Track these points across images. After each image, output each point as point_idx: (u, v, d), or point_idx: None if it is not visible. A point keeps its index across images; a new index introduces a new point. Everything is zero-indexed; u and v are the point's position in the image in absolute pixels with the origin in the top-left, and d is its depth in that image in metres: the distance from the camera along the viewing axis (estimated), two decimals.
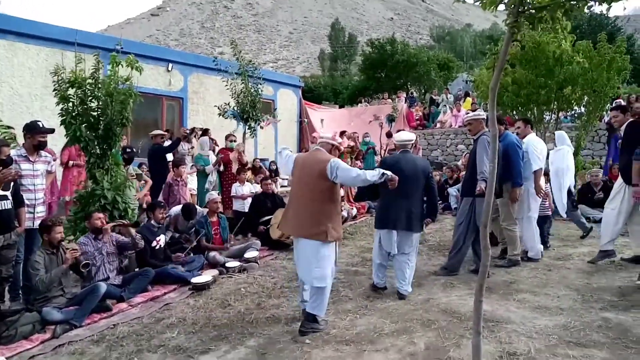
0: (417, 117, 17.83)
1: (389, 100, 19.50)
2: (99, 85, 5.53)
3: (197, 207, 7.48)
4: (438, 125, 17.18)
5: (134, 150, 8.20)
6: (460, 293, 4.95)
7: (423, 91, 28.55)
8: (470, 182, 5.59)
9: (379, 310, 4.50)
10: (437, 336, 3.80)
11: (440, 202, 9.62)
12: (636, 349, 3.46)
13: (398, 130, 14.77)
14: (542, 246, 6.38)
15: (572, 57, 8.81)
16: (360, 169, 11.63)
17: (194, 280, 5.39)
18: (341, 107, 24.44)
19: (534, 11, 2.52)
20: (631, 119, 5.86)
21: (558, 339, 3.67)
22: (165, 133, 10.31)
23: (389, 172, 4.09)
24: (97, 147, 5.62)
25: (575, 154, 9.90)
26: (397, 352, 3.55)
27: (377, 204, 5.56)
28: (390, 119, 15.67)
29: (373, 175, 4.00)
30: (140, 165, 9.19)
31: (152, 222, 6.00)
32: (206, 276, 5.55)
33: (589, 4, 2.55)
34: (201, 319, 4.37)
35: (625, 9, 7.77)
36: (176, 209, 7.12)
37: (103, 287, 4.57)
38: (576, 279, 5.34)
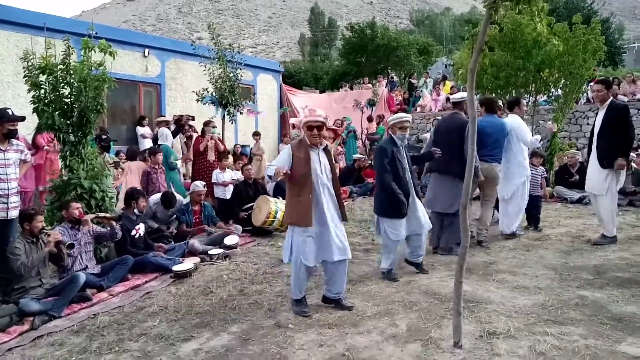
0: (397, 102, 17.85)
1: (370, 85, 19.47)
2: (71, 72, 5.37)
3: (177, 195, 7.40)
4: (418, 109, 17.23)
5: (110, 137, 8.05)
6: (440, 275, 5.01)
7: (403, 75, 28.53)
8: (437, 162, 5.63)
9: (361, 294, 4.53)
10: (419, 317, 3.85)
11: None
12: (611, 325, 3.55)
13: (379, 115, 14.84)
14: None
15: (548, 39, 8.86)
16: (343, 153, 11.81)
17: (176, 268, 5.34)
18: (322, 92, 24.31)
19: None
20: (611, 98, 5.63)
21: (537, 317, 3.75)
22: (169, 119, 10.83)
23: (273, 169, 4.01)
24: (71, 134, 5.48)
25: (553, 136, 10.05)
26: (379, 334, 3.58)
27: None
28: (371, 104, 15.70)
29: (269, 170, 4.12)
30: (117, 153, 9.03)
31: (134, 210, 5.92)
32: (188, 264, 5.49)
33: None
34: (183, 307, 4.34)
35: None
36: (155, 197, 7.03)
37: (82, 277, 4.50)
38: (554, 258, 5.44)
